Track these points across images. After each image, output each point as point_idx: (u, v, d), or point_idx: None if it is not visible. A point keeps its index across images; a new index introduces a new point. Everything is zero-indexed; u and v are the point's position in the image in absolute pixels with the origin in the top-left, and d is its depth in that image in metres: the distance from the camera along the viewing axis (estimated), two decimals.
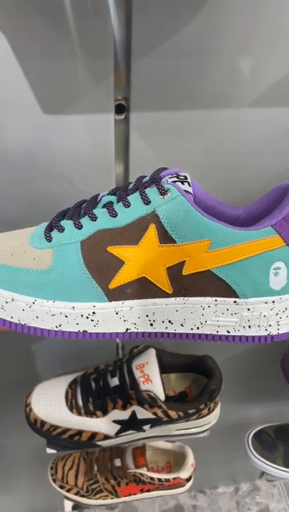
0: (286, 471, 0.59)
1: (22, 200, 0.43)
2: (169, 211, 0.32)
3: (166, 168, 0.37)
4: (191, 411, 0.48)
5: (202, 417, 0.50)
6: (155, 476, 0.58)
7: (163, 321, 0.35)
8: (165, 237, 0.32)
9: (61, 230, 0.34)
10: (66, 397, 0.50)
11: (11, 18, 0.33)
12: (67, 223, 0.35)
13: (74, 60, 0.36)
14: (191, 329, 0.35)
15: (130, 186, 0.36)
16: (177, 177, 0.35)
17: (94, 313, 0.34)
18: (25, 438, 0.51)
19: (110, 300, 0.34)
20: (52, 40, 0.35)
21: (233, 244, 0.32)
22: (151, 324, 0.35)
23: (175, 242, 0.32)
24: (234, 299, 0.34)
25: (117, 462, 0.60)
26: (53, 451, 0.52)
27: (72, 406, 0.49)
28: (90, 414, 0.49)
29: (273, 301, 0.34)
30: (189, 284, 0.33)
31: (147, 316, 0.34)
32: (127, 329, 0.35)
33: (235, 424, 0.65)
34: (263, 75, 0.40)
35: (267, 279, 0.33)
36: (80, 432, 0.49)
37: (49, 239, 0.34)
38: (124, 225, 0.33)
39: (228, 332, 0.35)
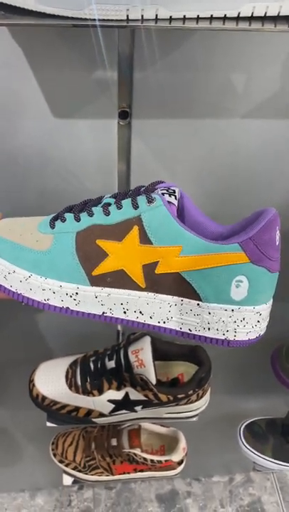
0: (274, 462, 0.62)
1: (34, 194, 0.51)
2: (151, 217, 0.38)
3: (163, 182, 0.42)
4: (180, 396, 0.52)
5: (191, 403, 0.54)
6: (148, 456, 0.63)
7: (135, 311, 0.40)
8: (145, 238, 0.38)
9: (63, 220, 0.41)
10: (66, 376, 0.55)
11: (26, 33, 0.40)
12: (69, 215, 0.41)
13: (82, 71, 0.42)
14: (158, 322, 0.40)
15: (129, 193, 0.42)
16: (167, 190, 0.40)
17: (77, 293, 0.40)
18: (30, 414, 0.57)
19: (92, 285, 0.39)
20: (63, 54, 0.42)
21: (202, 253, 0.37)
22: (125, 312, 0.40)
23: (152, 244, 0.38)
24: (198, 302, 0.39)
25: (113, 442, 0.65)
26: (53, 425, 0.57)
27: (71, 384, 0.54)
28: (87, 392, 0.53)
29: (232, 310, 0.38)
30: (160, 282, 0.39)
31: (122, 304, 0.40)
32: (103, 312, 0.40)
33: (232, 416, 0.68)
34: (254, 89, 0.46)
35: (228, 289, 0.38)
36: (77, 409, 0.54)
37: (53, 226, 0.41)
38: (113, 223, 0.39)
39: (190, 330, 0.40)
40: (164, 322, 0.40)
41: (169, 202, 0.38)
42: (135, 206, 0.39)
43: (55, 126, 0.46)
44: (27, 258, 0.40)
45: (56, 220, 0.41)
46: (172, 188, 0.40)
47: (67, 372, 0.56)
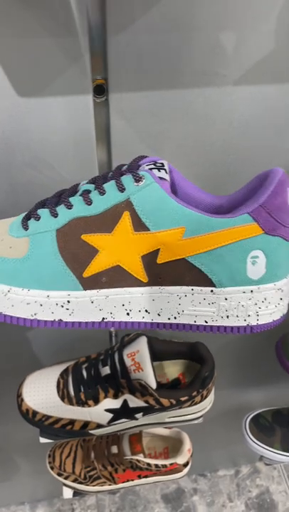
0: (283, 454, 0.59)
1: (2, 188, 0.43)
2: (142, 198, 0.32)
3: (146, 156, 0.36)
4: (183, 398, 0.47)
5: (195, 404, 0.49)
6: (152, 462, 0.58)
7: (139, 310, 0.34)
8: (139, 225, 0.32)
9: (37, 218, 0.34)
10: (58, 387, 0.50)
11: None
12: (43, 212, 0.34)
13: (46, 38, 0.35)
14: (168, 319, 0.35)
15: (110, 175, 0.35)
16: (154, 164, 0.34)
17: (69, 301, 0.34)
18: (22, 426, 0.51)
19: (85, 289, 0.33)
20: (22, 18, 0.34)
21: (208, 231, 0.32)
22: (128, 314, 0.34)
23: (149, 230, 0.32)
24: (211, 288, 0.33)
25: (114, 449, 0.60)
26: (47, 441, 0.52)
27: (63, 395, 0.49)
28: (81, 403, 0.48)
29: (251, 291, 0.33)
30: (164, 272, 0.33)
31: (123, 305, 0.34)
32: (103, 318, 0.34)
33: (235, 409, 0.65)
34: (247, 50, 0.39)
35: (244, 268, 0.33)
36: (72, 422, 0.49)
37: (26, 227, 0.34)
38: (98, 213, 0.33)
39: (206, 322, 0.34)
40: (175, 317, 0.35)
41: (160, 178, 0.33)
42: (121, 188, 0.32)
43: (19, 105, 0.38)
44: (1, 269, 0.34)
45: (29, 220, 0.35)
46: (160, 162, 0.34)
47: (58, 383, 0.50)
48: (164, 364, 0.53)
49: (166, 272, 0.33)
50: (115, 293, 0.34)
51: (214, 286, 0.33)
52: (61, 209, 0.34)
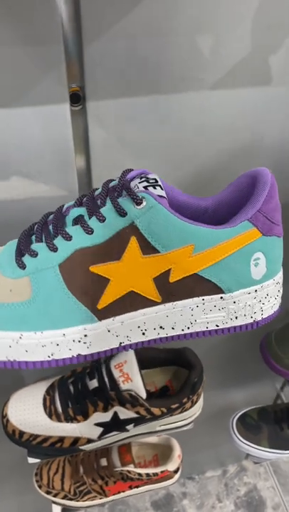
0: (271, 451, 0.61)
1: None
2: (148, 221, 0.31)
3: (132, 170, 0.35)
4: (174, 406, 0.47)
5: (185, 411, 0.49)
6: (142, 471, 0.58)
7: (154, 328, 0.35)
8: (148, 248, 0.32)
9: (34, 254, 0.32)
10: (44, 404, 0.48)
11: None
12: (39, 247, 0.32)
13: (20, 46, 0.32)
14: (182, 330, 0.35)
15: (97, 193, 0.34)
16: (147, 180, 0.33)
17: (86, 335, 0.33)
18: (8, 446, 0.49)
19: (100, 319, 0.33)
20: None
21: (215, 244, 0.32)
22: (144, 333, 0.34)
23: (159, 252, 0.32)
24: (220, 295, 0.34)
25: (103, 462, 0.59)
26: (35, 461, 0.49)
27: (51, 413, 0.47)
28: (70, 419, 0.46)
29: (256, 290, 0.35)
30: (177, 289, 0.33)
31: (139, 326, 0.34)
32: (121, 343, 0.34)
33: (220, 410, 0.65)
34: (224, 54, 0.38)
35: (248, 271, 0.34)
36: (61, 439, 0.47)
37: (22, 266, 0.32)
38: (103, 242, 0.32)
39: (217, 326, 0.36)
40: (188, 328, 0.35)
41: (159, 196, 0.32)
42: (122, 213, 0.31)
43: None
44: (7, 316, 0.32)
45: (23, 256, 0.33)
46: (152, 177, 0.34)
47: (44, 400, 0.48)
48: (152, 372, 0.52)
49: (179, 288, 0.33)
50: (131, 317, 0.33)
51: (223, 292, 0.34)
52: (59, 241, 0.32)
